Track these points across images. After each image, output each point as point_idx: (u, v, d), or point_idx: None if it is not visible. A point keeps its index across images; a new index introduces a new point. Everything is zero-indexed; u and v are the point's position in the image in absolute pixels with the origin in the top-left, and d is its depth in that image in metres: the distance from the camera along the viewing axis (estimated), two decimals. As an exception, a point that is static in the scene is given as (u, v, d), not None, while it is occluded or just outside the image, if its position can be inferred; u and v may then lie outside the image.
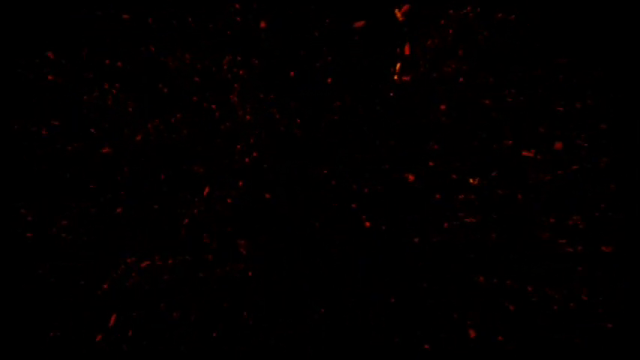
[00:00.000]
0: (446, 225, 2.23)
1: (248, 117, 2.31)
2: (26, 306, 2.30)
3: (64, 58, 2.27)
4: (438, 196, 2.24)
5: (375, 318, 2.24)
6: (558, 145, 1.95)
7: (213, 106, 2.33)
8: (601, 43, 2.09)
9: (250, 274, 2.30)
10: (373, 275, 2.27)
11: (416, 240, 2.24)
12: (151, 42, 2.28)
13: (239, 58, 2.25)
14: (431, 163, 2.24)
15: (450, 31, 2.16)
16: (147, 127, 2.29)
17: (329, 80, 2.34)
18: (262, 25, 2.05)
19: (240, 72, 2.30)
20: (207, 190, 2.08)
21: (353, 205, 2.27)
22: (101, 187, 2.32)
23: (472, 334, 2.17)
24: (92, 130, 2.29)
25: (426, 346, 2.20)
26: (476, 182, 2.13)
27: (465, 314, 2.20)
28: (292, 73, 2.32)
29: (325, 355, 2.24)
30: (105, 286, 2.29)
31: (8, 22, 2.20)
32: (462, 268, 2.21)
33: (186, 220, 2.30)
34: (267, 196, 2.32)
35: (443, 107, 2.11)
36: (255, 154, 2.32)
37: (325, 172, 2.30)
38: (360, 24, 1.82)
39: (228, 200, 2.31)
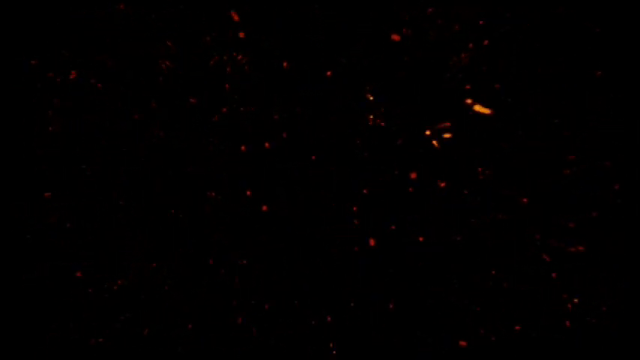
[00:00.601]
0: (446, 225, 2.21)
1: (245, 114, 2.26)
2: (24, 306, 2.28)
3: (57, 57, 2.19)
4: (438, 195, 2.22)
5: (375, 318, 2.24)
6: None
7: (205, 104, 2.27)
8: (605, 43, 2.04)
9: (249, 273, 2.28)
10: (373, 275, 2.26)
11: (416, 240, 2.23)
12: (144, 40, 2.20)
13: (239, 57, 2.17)
14: (432, 162, 2.21)
15: (456, 27, 2.10)
16: (143, 128, 2.23)
17: (328, 74, 2.28)
18: (241, 35, 1.97)
19: (230, 68, 2.23)
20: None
21: (354, 208, 2.24)
22: (96, 188, 2.27)
23: (472, 334, 2.18)
24: (89, 132, 2.23)
25: (426, 346, 2.21)
26: (486, 173, 2.11)
27: (465, 314, 2.20)
28: (285, 64, 2.26)
29: (325, 356, 2.25)
30: (103, 287, 2.27)
31: (7, 21, 2.11)
32: (463, 269, 2.21)
33: (184, 221, 2.27)
34: (267, 195, 2.29)
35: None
36: (253, 154, 2.27)
37: (325, 171, 2.26)
38: None
39: (226, 200, 2.27)
